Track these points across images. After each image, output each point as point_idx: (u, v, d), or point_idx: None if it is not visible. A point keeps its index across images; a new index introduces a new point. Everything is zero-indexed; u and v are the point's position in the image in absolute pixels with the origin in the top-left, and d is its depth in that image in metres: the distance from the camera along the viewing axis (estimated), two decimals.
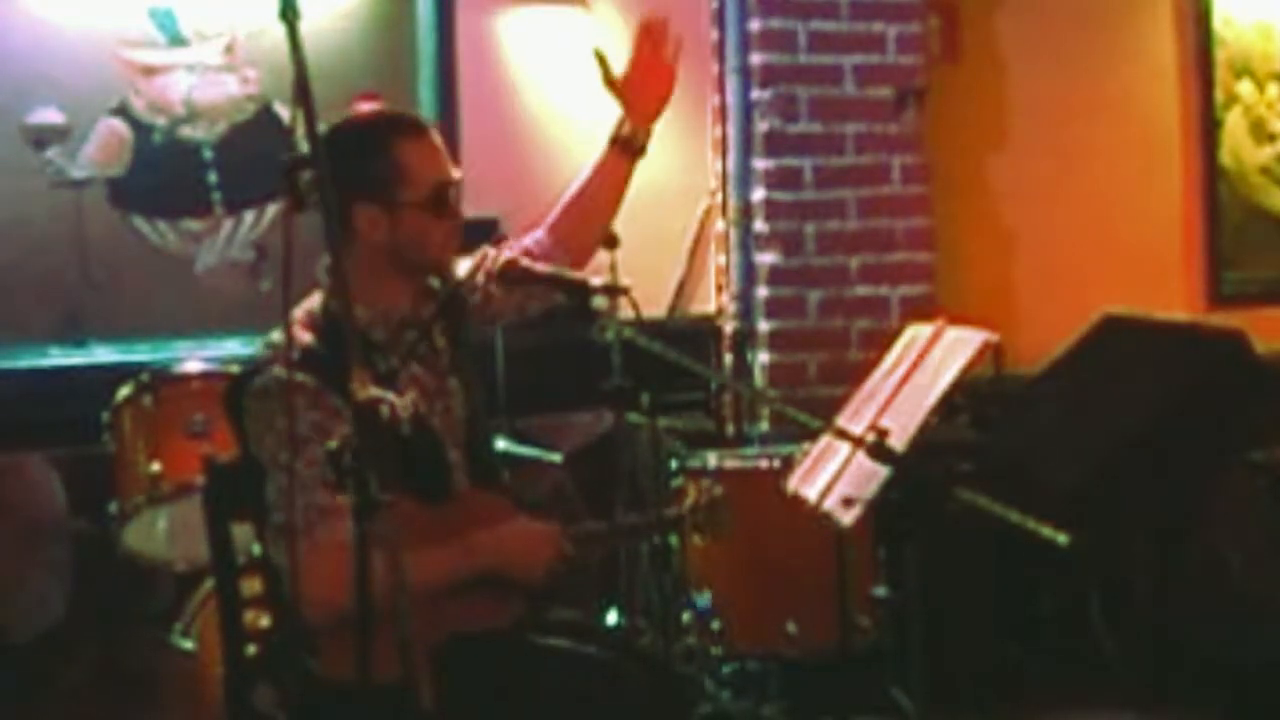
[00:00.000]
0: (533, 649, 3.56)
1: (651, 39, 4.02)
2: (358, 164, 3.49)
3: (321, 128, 2.88)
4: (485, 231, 3.79)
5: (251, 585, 3.81)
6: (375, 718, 2.84)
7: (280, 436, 3.31)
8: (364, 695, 2.78)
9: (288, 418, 3.28)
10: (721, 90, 6.48)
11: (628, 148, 4.04)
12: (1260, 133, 7.19)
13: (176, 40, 5.95)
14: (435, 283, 3.66)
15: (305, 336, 3.42)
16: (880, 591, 5.18)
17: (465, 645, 3.42)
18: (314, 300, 3.51)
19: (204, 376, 4.99)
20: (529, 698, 3.43)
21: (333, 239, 2.86)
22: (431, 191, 3.51)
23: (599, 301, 3.75)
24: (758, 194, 6.36)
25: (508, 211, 5.60)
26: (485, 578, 3.49)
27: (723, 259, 6.51)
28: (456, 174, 3.61)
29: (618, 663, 3.57)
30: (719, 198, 6.51)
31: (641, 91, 4.04)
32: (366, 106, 3.69)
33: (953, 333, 4.32)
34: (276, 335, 3.41)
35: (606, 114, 6.46)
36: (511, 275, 3.70)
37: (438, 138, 3.62)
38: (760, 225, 6.36)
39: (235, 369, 4.89)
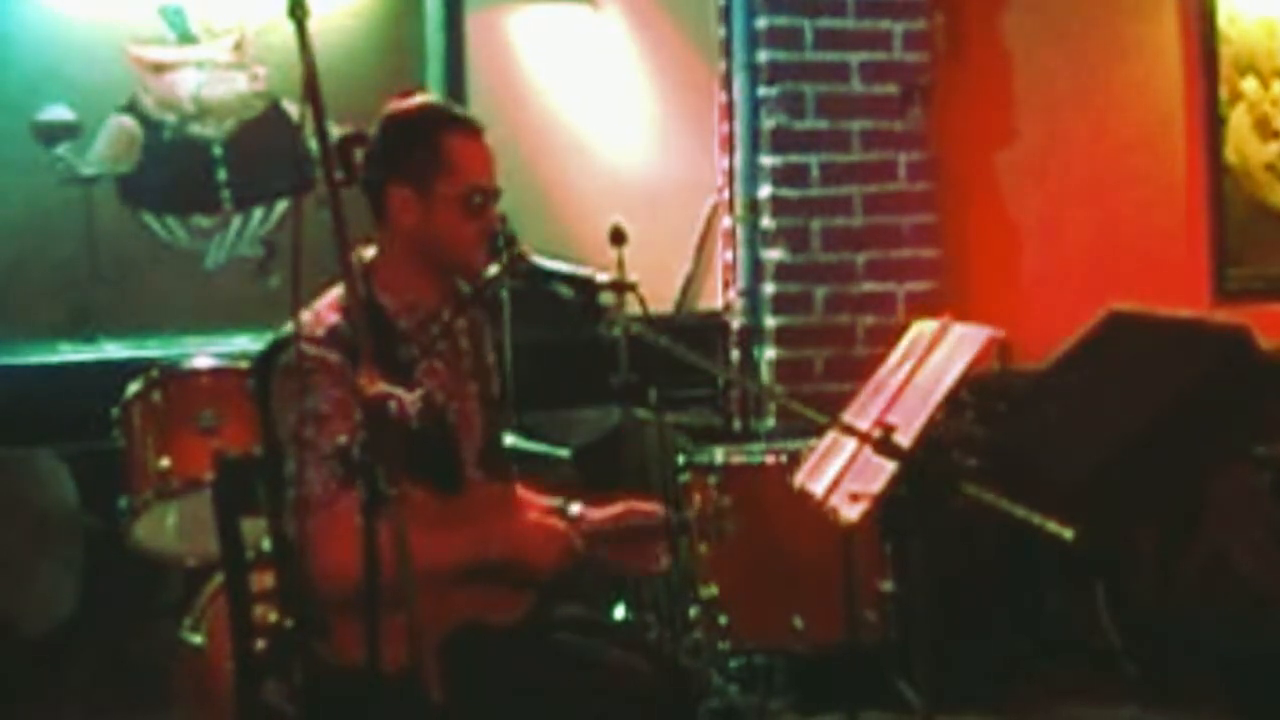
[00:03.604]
0: (540, 643, 3.57)
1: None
2: (403, 145, 3.53)
3: (329, 125, 2.89)
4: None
5: (261, 580, 3.84)
6: (383, 706, 2.86)
7: (302, 414, 3.34)
8: (373, 683, 2.80)
9: (308, 393, 3.32)
10: (728, 87, 6.49)
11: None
12: (1265, 129, 7.20)
13: (186, 37, 5.97)
14: (466, 287, 3.67)
15: (333, 317, 3.44)
16: (886, 586, 5.20)
17: (474, 638, 3.44)
18: (342, 287, 3.52)
19: (213, 372, 5.01)
20: (536, 692, 3.45)
21: (340, 229, 2.87)
22: (467, 189, 3.52)
23: (606, 297, 3.76)
24: (764, 190, 6.38)
25: (514, 209, 5.61)
26: (495, 571, 3.50)
27: (729, 255, 6.53)
28: (496, 182, 3.61)
29: (625, 658, 3.58)
30: (725, 194, 6.52)
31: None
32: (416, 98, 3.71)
33: (958, 328, 4.33)
34: (305, 315, 3.43)
35: (612, 112, 6.50)
36: (520, 270, 3.71)
37: (489, 145, 3.62)
38: (767, 221, 6.37)
39: (244, 365, 4.94)
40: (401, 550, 2.77)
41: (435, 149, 3.52)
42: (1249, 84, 7.17)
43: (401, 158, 3.53)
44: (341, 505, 3.23)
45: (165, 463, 4.85)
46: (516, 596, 3.59)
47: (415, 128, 3.56)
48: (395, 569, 2.75)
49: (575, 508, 3.76)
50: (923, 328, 4.48)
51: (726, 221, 6.53)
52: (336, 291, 3.49)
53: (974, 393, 5.75)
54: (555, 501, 3.79)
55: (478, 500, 3.58)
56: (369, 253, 3.58)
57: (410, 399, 2.84)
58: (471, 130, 3.60)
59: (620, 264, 5.04)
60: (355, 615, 2.91)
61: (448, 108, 3.74)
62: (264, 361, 3.55)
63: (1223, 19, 7.10)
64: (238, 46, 6.02)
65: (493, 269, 3.63)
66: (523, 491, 3.82)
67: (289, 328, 3.41)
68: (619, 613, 5.40)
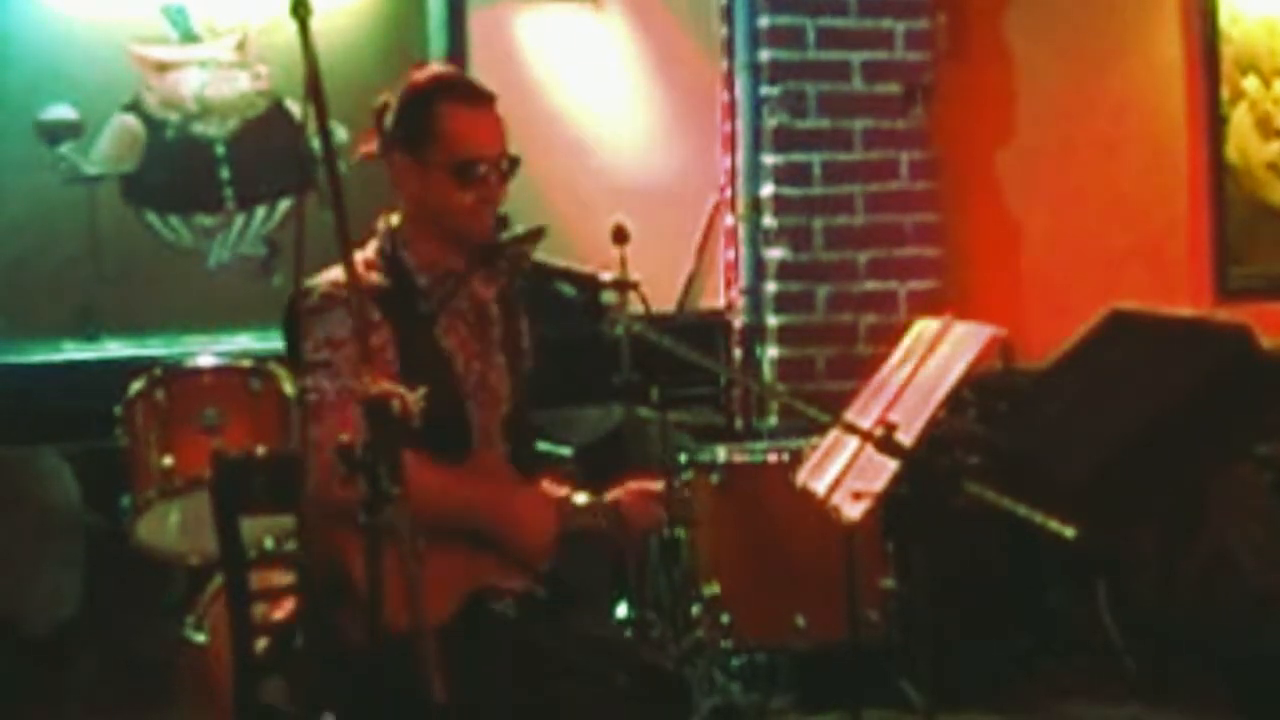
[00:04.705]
0: (530, 649, 3.56)
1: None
2: (403, 115, 3.60)
3: (331, 125, 2.91)
4: (494, 227, 3.80)
5: (262, 579, 3.84)
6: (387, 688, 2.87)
7: (319, 341, 3.41)
8: (375, 674, 2.81)
9: (322, 323, 3.41)
10: (730, 86, 6.50)
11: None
12: (1266, 128, 7.20)
13: (189, 37, 5.98)
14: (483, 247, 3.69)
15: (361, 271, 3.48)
16: (889, 585, 5.20)
17: (471, 632, 3.44)
18: (370, 247, 3.63)
19: (216, 371, 5.02)
20: (527, 697, 3.45)
21: (342, 228, 2.89)
22: (459, 159, 3.56)
23: (609, 296, 3.77)
24: (766, 189, 6.38)
25: (516, 208, 5.62)
26: (491, 539, 3.52)
27: (731, 254, 6.53)
28: (496, 151, 3.62)
29: (615, 676, 3.57)
30: (728, 193, 6.53)
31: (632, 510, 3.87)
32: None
33: (960, 327, 4.33)
34: (333, 272, 3.44)
35: (614, 111, 6.49)
36: (524, 270, 3.72)
37: (495, 114, 3.65)
38: (769, 220, 6.38)
39: (247, 363, 4.96)
40: (407, 560, 2.79)
41: (429, 118, 3.58)
42: (1250, 83, 7.17)
43: (402, 127, 3.60)
44: (351, 411, 3.22)
45: (168, 461, 4.87)
46: (519, 567, 3.61)
47: (414, 98, 3.62)
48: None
49: (581, 497, 3.77)
50: (925, 326, 4.48)
51: (729, 220, 6.54)
52: (362, 253, 3.53)
53: (976, 391, 5.76)
54: (561, 492, 3.80)
55: (481, 467, 3.59)
56: (395, 218, 3.66)
57: (413, 398, 2.85)
58: (470, 99, 3.63)
59: (622, 262, 5.06)
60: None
61: (451, 77, 3.78)
62: (287, 313, 3.60)
63: (1224, 18, 7.10)
64: (240, 46, 6.02)
65: (509, 233, 3.65)
66: (546, 484, 3.83)
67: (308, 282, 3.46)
68: (622, 610, 5.41)
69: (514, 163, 3.66)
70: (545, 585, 3.67)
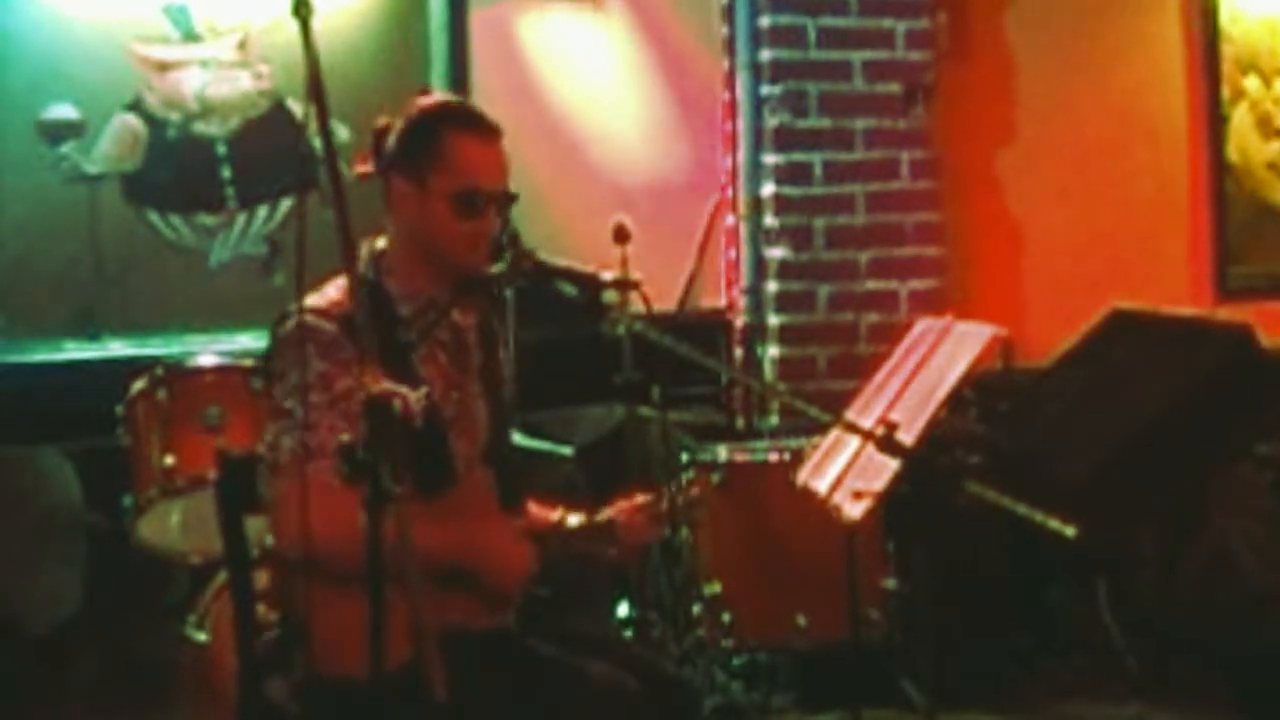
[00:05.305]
0: (525, 657, 3.55)
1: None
2: (408, 138, 3.57)
3: (332, 124, 2.91)
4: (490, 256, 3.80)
5: (264, 578, 3.84)
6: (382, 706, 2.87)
7: (288, 388, 3.39)
8: (375, 681, 2.81)
9: (296, 366, 3.38)
10: (731, 86, 6.50)
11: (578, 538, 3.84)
12: (1267, 128, 7.20)
13: (190, 36, 5.98)
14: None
15: (338, 295, 3.46)
16: (890, 584, 5.21)
17: (461, 646, 3.42)
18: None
19: (217, 370, 5.01)
20: (521, 707, 3.44)
21: (344, 227, 2.89)
22: (460, 189, 3.52)
23: (610, 296, 3.77)
24: (767, 189, 6.39)
25: (517, 208, 5.62)
26: (464, 577, 3.50)
27: (733, 253, 6.53)
28: (499, 185, 3.60)
29: (612, 674, 3.56)
30: (729, 192, 6.53)
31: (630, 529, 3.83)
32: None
33: (961, 327, 4.34)
34: (313, 295, 3.47)
35: (615, 111, 6.49)
36: (525, 270, 3.71)
37: (501, 148, 3.61)
38: (770, 220, 6.38)
39: (249, 363, 4.96)
40: (405, 549, 2.78)
41: (435, 145, 3.54)
42: (1251, 82, 7.17)
43: (405, 150, 3.56)
44: (309, 470, 3.23)
45: (169, 460, 4.86)
46: (493, 605, 3.59)
47: (422, 123, 3.58)
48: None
49: (574, 519, 3.76)
50: (926, 326, 4.49)
51: (730, 220, 6.54)
52: (343, 279, 3.50)
53: (977, 391, 5.76)
54: (555, 514, 3.79)
55: (461, 497, 3.57)
56: (380, 242, 3.62)
57: (415, 397, 2.84)
58: (478, 131, 3.59)
59: (624, 262, 5.07)
60: (329, 597, 3.07)
61: (462, 107, 3.73)
62: (270, 336, 3.60)
63: (1225, 17, 7.11)
64: (242, 45, 6.03)
65: (497, 267, 3.64)
66: (533, 507, 3.81)
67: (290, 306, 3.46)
68: (623, 610, 5.42)
69: (511, 199, 3.64)
70: (540, 590, 3.67)
